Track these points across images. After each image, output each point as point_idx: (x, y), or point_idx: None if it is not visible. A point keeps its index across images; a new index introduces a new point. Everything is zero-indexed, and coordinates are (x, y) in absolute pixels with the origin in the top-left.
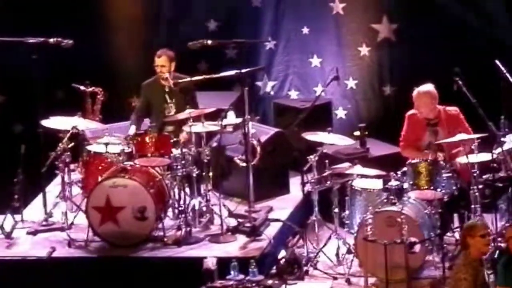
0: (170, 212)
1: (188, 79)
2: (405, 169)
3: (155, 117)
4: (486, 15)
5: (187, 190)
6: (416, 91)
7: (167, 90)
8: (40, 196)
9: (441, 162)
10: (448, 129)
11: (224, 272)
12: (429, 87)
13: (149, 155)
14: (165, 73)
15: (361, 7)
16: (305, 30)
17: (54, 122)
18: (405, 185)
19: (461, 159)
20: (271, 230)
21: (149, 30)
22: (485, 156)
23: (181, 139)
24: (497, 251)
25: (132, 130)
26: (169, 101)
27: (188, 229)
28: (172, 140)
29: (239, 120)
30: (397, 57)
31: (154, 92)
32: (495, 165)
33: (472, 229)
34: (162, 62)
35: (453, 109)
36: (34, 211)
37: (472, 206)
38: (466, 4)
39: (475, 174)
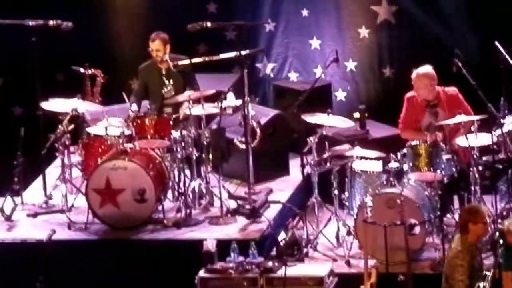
0: (170, 194)
1: (187, 61)
2: (405, 151)
3: (153, 100)
4: None
5: (187, 172)
6: (414, 73)
7: (164, 72)
8: (40, 178)
9: (441, 144)
10: (448, 110)
11: (224, 254)
12: (427, 68)
13: (149, 137)
14: (161, 56)
15: None
16: (305, 12)
17: (54, 105)
18: (405, 167)
19: (461, 141)
20: (271, 212)
21: (149, 12)
22: (484, 138)
23: (181, 115)
24: (497, 233)
25: (134, 106)
26: (166, 83)
27: (188, 211)
28: (172, 117)
29: (239, 102)
30: (397, 39)
31: (151, 75)
32: (494, 146)
33: (476, 216)
34: (157, 46)
35: (452, 90)
36: (34, 193)
37: (472, 187)
38: None
39: (475, 156)
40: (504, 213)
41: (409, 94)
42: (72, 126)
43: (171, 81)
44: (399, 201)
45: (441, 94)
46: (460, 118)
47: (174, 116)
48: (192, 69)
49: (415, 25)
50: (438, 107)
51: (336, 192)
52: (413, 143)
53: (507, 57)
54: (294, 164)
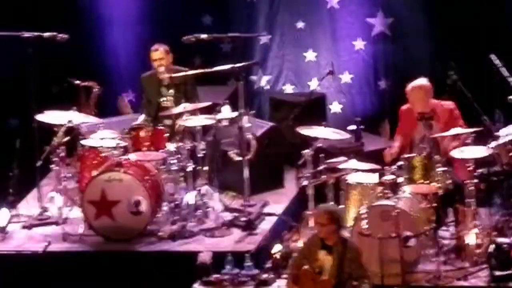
0: (165, 207)
1: (184, 72)
2: (400, 163)
3: (152, 110)
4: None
5: (182, 184)
6: (409, 86)
7: (165, 83)
8: (35, 190)
9: (436, 156)
10: (444, 124)
11: (219, 266)
12: (422, 81)
13: (144, 149)
14: (165, 65)
15: (356, 1)
16: (300, 25)
17: (49, 117)
18: (400, 179)
19: (456, 154)
20: (266, 224)
21: (144, 24)
22: (480, 150)
23: (178, 128)
24: (493, 246)
25: (141, 118)
26: (165, 94)
27: (183, 223)
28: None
29: (234, 114)
30: (392, 51)
31: (150, 85)
32: (490, 159)
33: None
34: (160, 55)
35: (448, 104)
36: (29, 205)
37: (467, 200)
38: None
39: (470, 168)
40: (499, 225)
41: (404, 106)
42: (67, 138)
43: (171, 92)
44: (394, 214)
45: (437, 107)
46: (455, 130)
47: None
48: (195, 81)
49: (411, 37)
50: (434, 120)
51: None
52: (409, 155)
53: (503, 69)
54: (290, 176)
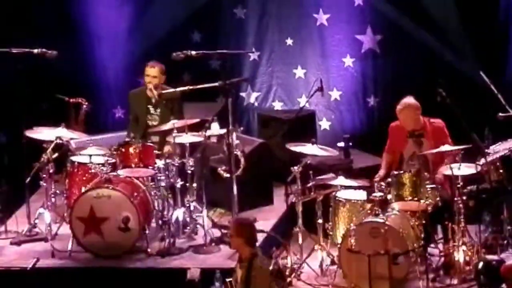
0: (153, 223)
1: (172, 90)
2: (389, 180)
3: (139, 127)
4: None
5: (171, 201)
6: (398, 106)
7: (153, 101)
8: (24, 206)
9: (425, 174)
10: (433, 141)
11: (208, 283)
12: (409, 99)
13: (133, 165)
14: (156, 84)
15: (345, 18)
16: (289, 41)
17: (38, 133)
18: (389, 196)
19: (445, 171)
20: None
21: (133, 41)
22: (468, 168)
23: (166, 151)
24: (481, 263)
25: (129, 136)
26: (152, 111)
27: (172, 240)
28: (155, 152)
29: (223, 131)
30: (382, 68)
31: (138, 102)
32: (478, 176)
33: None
34: (155, 73)
35: (438, 121)
36: (18, 221)
37: (456, 217)
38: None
39: (459, 186)
40: (488, 242)
41: (394, 123)
42: (56, 155)
43: (158, 111)
44: (383, 231)
45: (427, 125)
46: (444, 147)
47: (158, 152)
48: (181, 97)
49: (400, 54)
50: (424, 137)
51: (320, 221)
52: (397, 172)
53: (492, 86)
54: (278, 193)
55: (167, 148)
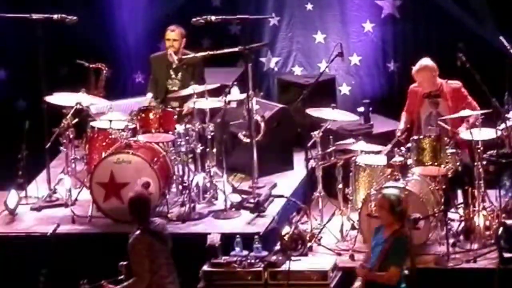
0: (174, 188)
1: (192, 55)
2: (409, 145)
3: (159, 92)
4: None
5: (191, 166)
6: (414, 68)
7: (173, 66)
8: (44, 172)
9: (445, 138)
10: (450, 102)
11: (228, 248)
12: (426, 61)
13: (153, 131)
14: (177, 48)
15: None
16: (309, 6)
17: (58, 98)
18: (409, 161)
19: (465, 135)
20: (275, 206)
21: (153, 6)
22: (489, 132)
23: (185, 110)
24: (502, 227)
25: (149, 95)
26: (173, 76)
27: (192, 205)
28: (177, 111)
29: (243, 96)
30: (401, 33)
31: (159, 66)
32: (499, 141)
33: None
34: (175, 36)
35: (455, 83)
36: (38, 187)
37: (476, 182)
38: None
39: (479, 150)
40: (508, 207)
41: (413, 85)
42: (76, 120)
43: (179, 76)
44: (403, 195)
45: (443, 86)
46: (464, 112)
47: (178, 109)
48: (202, 63)
49: (420, 19)
50: (440, 97)
51: (340, 186)
52: (417, 137)
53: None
54: (298, 158)
55: (186, 107)
